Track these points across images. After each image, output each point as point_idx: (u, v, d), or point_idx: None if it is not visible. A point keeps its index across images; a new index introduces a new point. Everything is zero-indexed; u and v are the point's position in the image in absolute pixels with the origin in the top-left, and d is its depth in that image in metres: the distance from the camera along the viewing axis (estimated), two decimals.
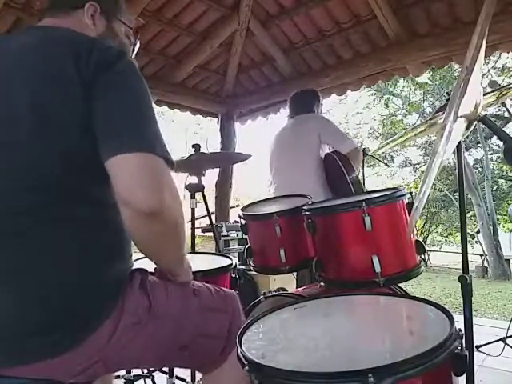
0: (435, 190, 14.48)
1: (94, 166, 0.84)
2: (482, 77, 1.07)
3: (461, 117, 0.99)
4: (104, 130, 0.82)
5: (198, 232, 2.77)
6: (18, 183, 0.83)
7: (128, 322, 0.87)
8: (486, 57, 3.44)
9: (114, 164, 0.79)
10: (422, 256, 1.36)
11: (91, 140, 0.82)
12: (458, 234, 12.18)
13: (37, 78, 0.84)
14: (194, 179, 2.12)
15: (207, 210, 2.28)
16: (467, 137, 11.08)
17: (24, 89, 0.83)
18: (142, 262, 1.40)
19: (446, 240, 18.40)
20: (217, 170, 4.57)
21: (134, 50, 1.16)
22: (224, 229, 4.12)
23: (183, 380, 1.92)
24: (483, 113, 1.20)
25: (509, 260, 11.94)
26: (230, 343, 1.01)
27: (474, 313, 1.25)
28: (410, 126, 14.04)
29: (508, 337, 2.25)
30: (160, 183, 0.80)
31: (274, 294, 1.57)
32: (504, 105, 2.40)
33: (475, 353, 1.81)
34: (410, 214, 1.29)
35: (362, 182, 2.43)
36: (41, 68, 0.85)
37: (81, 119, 0.83)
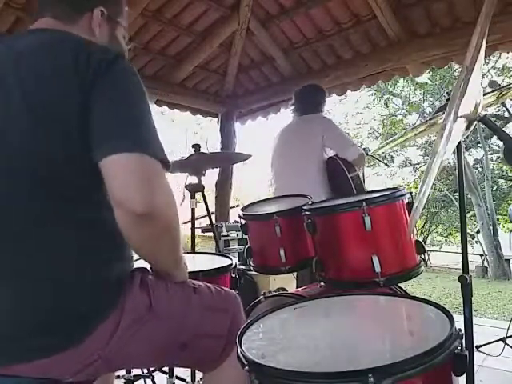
0: (435, 190, 14.47)
1: (92, 167, 0.85)
2: (482, 77, 1.07)
3: (461, 117, 0.99)
4: (99, 130, 0.83)
5: (198, 232, 2.77)
6: (15, 184, 0.83)
7: (129, 320, 0.88)
8: (485, 57, 3.45)
9: (107, 164, 0.79)
10: (422, 256, 1.36)
11: (89, 141, 0.83)
12: (458, 234, 12.17)
13: (36, 80, 0.84)
14: (193, 179, 2.12)
15: (207, 210, 2.27)
16: (467, 137, 11.08)
17: (22, 90, 0.83)
18: (142, 261, 1.40)
19: (445, 240, 18.39)
20: (217, 170, 4.57)
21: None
22: (224, 229, 4.12)
23: (183, 380, 1.92)
24: (483, 113, 1.20)
25: (509, 260, 11.94)
26: (230, 343, 1.01)
27: (474, 313, 1.25)
28: (410, 126, 14.04)
29: (508, 337, 2.25)
30: (152, 185, 0.80)
31: (274, 293, 1.57)
32: (504, 105, 2.40)
33: (475, 353, 1.81)
34: (409, 214, 1.29)
35: (362, 182, 2.43)
36: (41, 70, 0.85)
37: (78, 121, 0.83)
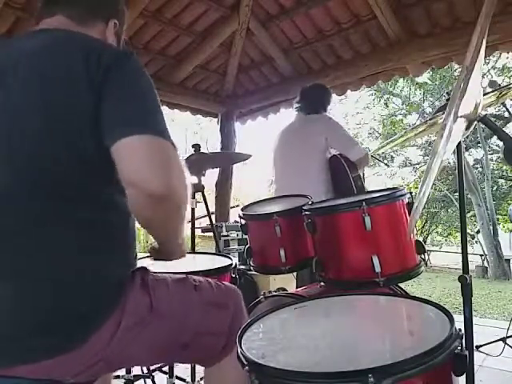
0: (435, 190, 14.46)
1: (97, 166, 0.85)
2: (482, 77, 1.07)
3: (461, 117, 0.99)
4: (112, 118, 0.83)
5: (198, 232, 2.78)
6: (16, 183, 0.83)
7: (130, 321, 0.87)
8: (485, 57, 3.45)
9: (120, 148, 0.80)
10: (422, 256, 1.36)
11: (96, 140, 0.83)
12: (458, 234, 12.17)
13: (40, 80, 0.84)
14: (193, 179, 2.12)
15: (207, 210, 2.28)
16: (467, 137, 11.08)
17: (24, 90, 0.84)
18: (142, 261, 1.40)
19: (446, 240, 18.38)
20: (217, 170, 4.57)
21: None
22: (224, 229, 4.12)
23: (183, 380, 1.92)
24: (483, 113, 1.20)
25: (509, 260, 11.93)
26: (231, 339, 1.00)
27: (474, 313, 1.25)
28: (410, 126, 14.04)
29: (508, 337, 2.25)
30: (168, 165, 0.81)
31: (274, 294, 1.57)
32: (504, 105, 2.39)
33: (475, 353, 1.81)
34: (410, 214, 1.29)
35: (363, 183, 2.43)
36: (51, 69, 0.85)
37: (87, 120, 0.83)
